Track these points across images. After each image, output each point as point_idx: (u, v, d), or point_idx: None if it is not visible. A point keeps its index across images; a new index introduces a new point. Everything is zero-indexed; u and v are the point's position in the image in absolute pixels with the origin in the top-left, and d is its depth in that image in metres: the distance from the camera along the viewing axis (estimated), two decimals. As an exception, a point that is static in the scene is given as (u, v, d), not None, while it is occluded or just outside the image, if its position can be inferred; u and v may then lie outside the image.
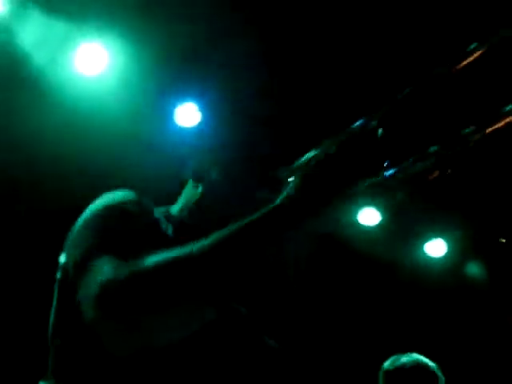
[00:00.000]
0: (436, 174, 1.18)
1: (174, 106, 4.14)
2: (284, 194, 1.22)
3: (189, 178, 1.73)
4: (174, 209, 1.71)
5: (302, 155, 1.43)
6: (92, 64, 3.70)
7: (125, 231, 1.32)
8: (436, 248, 5.29)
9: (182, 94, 4.10)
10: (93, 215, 1.39)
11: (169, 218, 1.61)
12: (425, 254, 5.31)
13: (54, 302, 1.42)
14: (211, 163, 1.70)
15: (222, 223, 1.43)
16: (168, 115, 4.15)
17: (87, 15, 3.51)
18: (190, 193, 1.72)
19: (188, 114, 4.15)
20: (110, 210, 1.39)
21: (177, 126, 4.15)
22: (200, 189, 1.69)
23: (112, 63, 3.74)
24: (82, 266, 1.25)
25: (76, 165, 3.82)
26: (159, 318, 1.15)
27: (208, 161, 1.71)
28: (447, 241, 5.27)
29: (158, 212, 1.60)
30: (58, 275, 1.39)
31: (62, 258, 1.39)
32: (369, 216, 4.93)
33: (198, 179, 1.70)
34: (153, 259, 1.17)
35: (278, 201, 1.22)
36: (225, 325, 1.43)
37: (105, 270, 1.18)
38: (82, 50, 3.65)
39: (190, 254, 1.16)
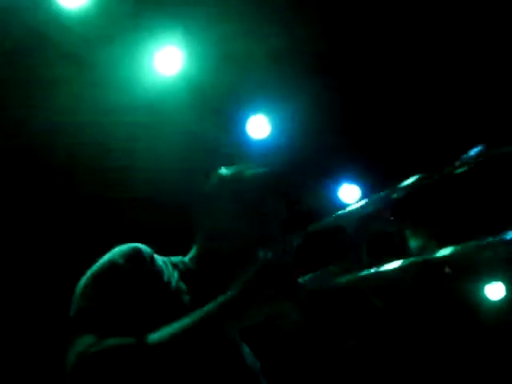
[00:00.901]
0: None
1: (247, 116, 4.14)
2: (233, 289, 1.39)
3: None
4: (188, 257, 1.79)
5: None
6: (169, 64, 3.74)
7: (109, 301, 1.43)
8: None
9: (256, 105, 4.09)
10: (91, 276, 1.51)
11: (178, 265, 1.70)
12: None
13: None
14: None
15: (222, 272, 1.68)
16: (239, 124, 4.15)
17: (166, 17, 3.58)
18: (198, 237, 1.82)
19: (259, 126, 4.15)
20: (111, 269, 1.51)
21: (247, 135, 4.16)
22: (202, 233, 1.79)
23: (188, 65, 3.76)
24: (70, 332, 1.41)
25: (144, 160, 3.84)
26: None
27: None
28: None
29: (167, 261, 1.69)
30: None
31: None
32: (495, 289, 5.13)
33: (200, 222, 1.80)
34: (114, 341, 1.33)
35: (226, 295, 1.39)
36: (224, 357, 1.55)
37: (78, 348, 1.34)
38: (162, 50, 3.69)
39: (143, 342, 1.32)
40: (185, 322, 1.36)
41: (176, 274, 1.65)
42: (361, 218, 1.39)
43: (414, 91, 3.98)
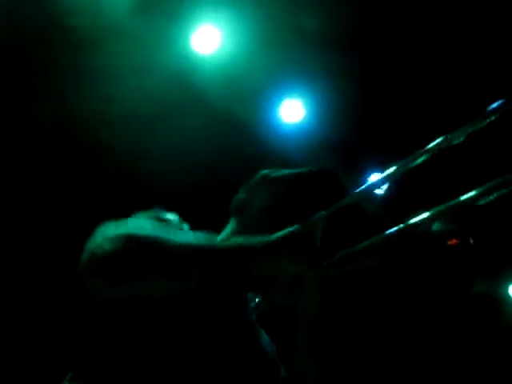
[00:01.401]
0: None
1: (281, 99, 4.13)
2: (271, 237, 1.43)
3: (231, 211, 1.82)
4: (220, 236, 1.78)
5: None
6: (207, 43, 3.75)
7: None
8: None
9: (290, 89, 4.08)
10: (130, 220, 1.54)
11: None
12: None
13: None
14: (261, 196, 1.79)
15: None
16: (273, 106, 4.14)
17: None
18: (228, 227, 1.82)
19: (293, 110, 4.14)
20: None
21: (280, 119, 4.15)
22: (236, 224, 1.79)
23: (224, 44, 3.76)
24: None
25: (178, 137, 3.86)
26: (143, 283, 1.35)
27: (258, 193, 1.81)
28: None
29: None
30: None
31: None
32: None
33: (238, 213, 1.80)
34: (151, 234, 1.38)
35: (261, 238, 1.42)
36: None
37: (108, 231, 1.38)
38: (199, 29, 3.70)
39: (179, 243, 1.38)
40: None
41: None
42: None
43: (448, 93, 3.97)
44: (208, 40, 3.75)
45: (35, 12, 3.37)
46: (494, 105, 1.25)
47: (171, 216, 1.72)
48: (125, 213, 1.52)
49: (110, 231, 1.38)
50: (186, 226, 1.74)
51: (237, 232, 1.76)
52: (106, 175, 4.04)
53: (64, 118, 3.74)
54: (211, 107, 3.86)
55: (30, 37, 3.46)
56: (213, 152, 3.86)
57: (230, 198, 1.89)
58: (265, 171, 1.87)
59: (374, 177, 4.37)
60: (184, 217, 1.79)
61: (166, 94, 3.72)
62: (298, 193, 1.77)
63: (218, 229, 1.84)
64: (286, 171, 1.84)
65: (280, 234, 1.43)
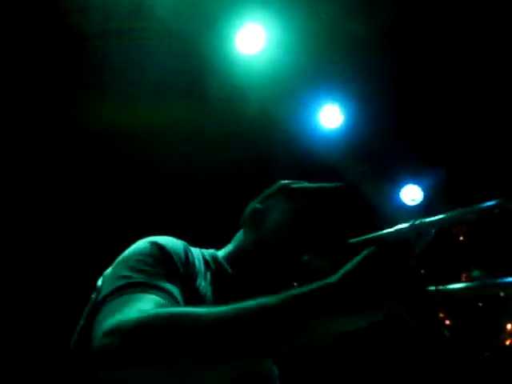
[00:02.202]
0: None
1: (320, 104, 4.12)
2: (332, 279, 1.12)
3: (245, 221, 1.72)
4: (222, 252, 1.68)
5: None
6: (251, 43, 3.74)
7: (156, 275, 1.31)
8: None
9: (329, 93, 4.06)
10: (138, 251, 1.40)
11: (210, 264, 1.58)
12: None
13: (82, 321, 1.44)
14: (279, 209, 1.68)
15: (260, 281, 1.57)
16: (312, 110, 4.13)
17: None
18: (240, 238, 1.71)
19: (331, 115, 4.13)
20: (153, 252, 1.38)
21: (319, 124, 4.14)
22: (251, 236, 1.67)
23: (269, 44, 3.75)
24: (105, 300, 1.26)
25: (222, 135, 3.87)
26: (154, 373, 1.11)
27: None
28: None
29: (201, 257, 1.56)
30: (93, 296, 1.43)
31: (99, 282, 1.43)
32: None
33: (253, 225, 1.68)
34: (169, 315, 1.15)
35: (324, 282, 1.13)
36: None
37: (116, 316, 1.17)
38: (244, 29, 3.69)
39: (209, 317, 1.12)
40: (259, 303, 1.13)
41: (208, 277, 1.54)
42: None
43: (487, 95, 3.93)
44: (253, 40, 3.74)
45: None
46: None
47: (183, 248, 1.49)
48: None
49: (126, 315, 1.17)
50: (193, 255, 1.52)
51: (251, 248, 1.64)
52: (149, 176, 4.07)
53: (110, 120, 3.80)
54: (250, 108, 3.87)
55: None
56: (246, 152, 3.87)
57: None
58: (284, 182, 1.78)
59: (408, 188, 4.40)
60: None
61: (207, 93, 3.75)
62: (320, 209, 1.67)
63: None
64: (306, 184, 1.75)
65: (352, 267, 1.12)
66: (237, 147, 3.86)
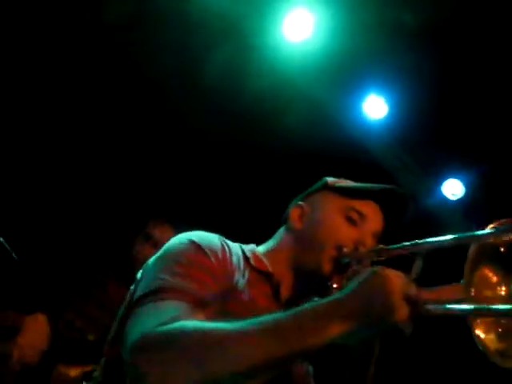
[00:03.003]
0: None
1: (365, 93, 4.09)
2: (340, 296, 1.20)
3: (287, 218, 1.68)
4: (263, 248, 1.66)
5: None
6: (298, 30, 3.70)
7: (191, 280, 1.31)
8: None
9: (375, 83, 4.04)
10: (175, 250, 1.41)
11: (250, 260, 1.55)
12: None
13: (121, 310, 1.46)
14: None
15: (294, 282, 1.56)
16: (357, 100, 4.12)
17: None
18: (282, 235, 1.68)
19: (376, 106, 4.09)
20: (189, 253, 1.38)
21: (364, 114, 4.12)
22: (293, 234, 1.64)
23: (319, 34, 3.71)
24: (140, 301, 1.29)
25: (265, 123, 3.88)
26: None
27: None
28: None
29: (240, 253, 1.54)
30: (132, 288, 1.45)
31: (139, 275, 1.45)
32: None
33: (296, 222, 1.65)
34: (197, 327, 1.18)
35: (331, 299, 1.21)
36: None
37: (146, 325, 1.20)
38: (291, 16, 3.66)
39: (236, 333, 1.16)
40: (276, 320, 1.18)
41: (247, 273, 1.51)
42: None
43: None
44: (300, 27, 3.70)
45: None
46: None
47: (224, 243, 1.50)
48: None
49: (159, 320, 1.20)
50: (233, 251, 1.51)
51: (292, 245, 1.61)
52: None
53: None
54: (296, 95, 3.86)
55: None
56: (289, 143, 3.87)
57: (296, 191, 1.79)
58: (329, 178, 1.72)
59: (450, 182, 4.36)
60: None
61: (255, 81, 3.73)
62: (367, 211, 1.62)
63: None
64: (352, 183, 1.70)
65: (357, 285, 1.20)
66: (280, 137, 3.86)
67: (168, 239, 2.59)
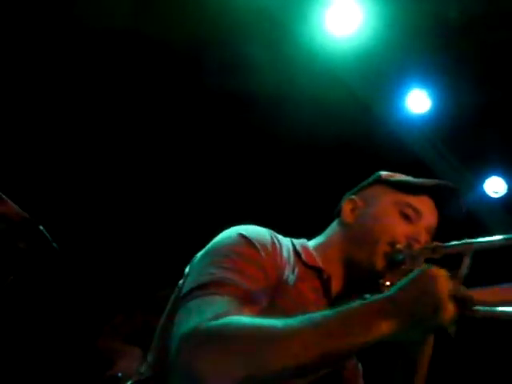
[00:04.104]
0: None
1: (408, 88, 4.04)
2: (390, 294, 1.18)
3: (339, 212, 1.63)
4: (314, 242, 1.61)
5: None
6: (344, 24, 3.68)
7: (241, 274, 1.29)
8: None
9: (419, 78, 3.99)
10: (224, 244, 1.39)
11: (301, 255, 1.52)
12: None
13: (169, 306, 1.44)
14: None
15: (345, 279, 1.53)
16: (401, 95, 4.07)
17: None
18: (333, 229, 1.63)
19: (419, 100, 4.04)
20: (239, 247, 1.36)
21: (407, 109, 4.07)
22: (345, 228, 1.59)
23: (364, 27, 3.69)
24: (189, 295, 1.27)
25: (306, 116, 3.86)
26: None
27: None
28: None
29: (291, 247, 1.51)
30: (180, 283, 1.43)
31: (187, 269, 1.43)
32: None
33: (348, 216, 1.60)
34: (247, 323, 1.16)
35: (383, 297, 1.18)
36: None
37: (196, 320, 1.18)
38: (335, 8, 3.65)
39: (281, 331, 1.13)
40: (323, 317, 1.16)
41: (296, 268, 1.48)
42: None
43: None
44: (344, 21, 3.68)
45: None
46: None
47: (275, 237, 1.47)
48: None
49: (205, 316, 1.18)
50: (284, 245, 1.48)
51: (344, 240, 1.57)
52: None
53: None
54: (339, 89, 3.82)
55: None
56: (333, 138, 3.83)
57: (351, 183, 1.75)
58: (383, 172, 1.67)
59: (492, 180, 4.31)
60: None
61: (296, 73, 3.73)
62: (422, 207, 1.56)
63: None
64: (407, 177, 1.64)
65: (405, 284, 1.18)
66: (323, 133, 3.82)
67: None
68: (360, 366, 1.63)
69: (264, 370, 1.10)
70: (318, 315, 1.16)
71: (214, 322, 1.15)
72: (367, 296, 1.32)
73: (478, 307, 1.17)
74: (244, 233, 1.40)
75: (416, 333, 1.18)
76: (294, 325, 1.14)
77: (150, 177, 4.06)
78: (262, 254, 1.36)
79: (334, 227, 1.63)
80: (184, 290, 1.31)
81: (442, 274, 1.17)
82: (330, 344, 1.11)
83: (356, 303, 1.17)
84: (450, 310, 1.13)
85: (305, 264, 1.50)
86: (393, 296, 1.16)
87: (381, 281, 1.44)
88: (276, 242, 1.44)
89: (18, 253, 1.99)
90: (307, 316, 1.16)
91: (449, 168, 4.22)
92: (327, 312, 1.17)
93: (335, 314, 1.16)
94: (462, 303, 1.15)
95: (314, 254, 1.55)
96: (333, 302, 1.49)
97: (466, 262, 1.27)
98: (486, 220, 4.31)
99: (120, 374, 2.55)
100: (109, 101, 3.83)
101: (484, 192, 4.34)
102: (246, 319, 1.17)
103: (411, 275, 1.18)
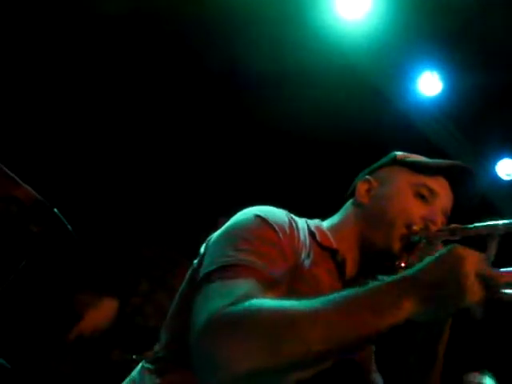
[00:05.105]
0: None
1: (420, 71, 4.02)
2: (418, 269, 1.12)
3: (354, 192, 1.59)
4: (329, 223, 1.57)
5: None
6: (354, 7, 3.67)
7: (260, 257, 1.25)
8: None
9: (429, 60, 3.98)
10: (241, 225, 1.35)
11: (316, 236, 1.48)
12: None
13: (183, 285, 1.42)
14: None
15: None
16: (413, 77, 4.05)
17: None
18: (348, 210, 1.58)
19: (431, 82, 4.02)
20: (257, 228, 1.33)
21: (418, 91, 4.05)
22: (360, 208, 1.55)
23: (374, 10, 3.66)
24: (207, 278, 1.23)
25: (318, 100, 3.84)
26: (249, 372, 1.06)
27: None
28: None
29: (306, 229, 1.47)
30: (195, 263, 1.39)
31: (202, 249, 1.39)
32: None
33: (363, 196, 1.55)
34: (269, 306, 1.11)
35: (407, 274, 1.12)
36: None
37: (217, 303, 1.13)
38: None
39: (308, 313, 1.09)
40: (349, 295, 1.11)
41: (312, 250, 1.44)
42: None
43: None
44: (355, 5, 3.66)
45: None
46: None
47: (292, 219, 1.44)
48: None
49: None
50: (299, 226, 1.45)
51: (358, 220, 1.53)
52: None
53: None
54: (350, 72, 3.80)
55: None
56: (344, 120, 3.81)
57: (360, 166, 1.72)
58: (398, 153, 1.62)
59: (504, 162, 4.30)
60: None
61: (307, 56, 3.71)
62: (438, 188, 1.52)
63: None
64: (423, 158, 1.60)
65: (430, 262, 1.13)
66: (334, 115, 3.79)
67: None
68: (373, 347, 1.60)
69: (288, 355, 1.05)
70: (340, 296, 1.11)
71: (236, 307, 1.10)
72: (381, 278, 1.32)
73: (505, 290, 1.13)
74: (261, 214, 1.36)
75: (440, 313, 1.14)
76: (317, 307, 1.09)
77: (159, 164, 4.08)
78: (280, 236, 1.33)
79: (348, 208, 1.59)
80: (202, 272, 1.27)
81: (470, 253, 1.12)
82: (355, 326, 1.07)
83: (378, 283, 1.12)
84: (476, 291, 1.09)
85: (319, 245, 1.47)
86: (419, 275, 1.10)
87: (396, 262, 1.42)
88: (293, 223, 1.41)
89: (30, 237, 1.99)
90: (330, 297, 1.11)
91: (460, 150, 4.21)
92: (350, 292, 1.11)
93: (360, 294, 1.10)
94: (490, 285, 1.11)
95: (329, 234, 1.51)
96: (347, 283, 1.45)
97: (493, 244, 1.24)
98: (497, 202, 4.30)
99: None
100: (113, 85, 3.84)
101: (496, 174, 4.32)
102: (266, 302, 1.13)
103: (438, 254, 1.13)
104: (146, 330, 2.77)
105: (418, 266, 1.13)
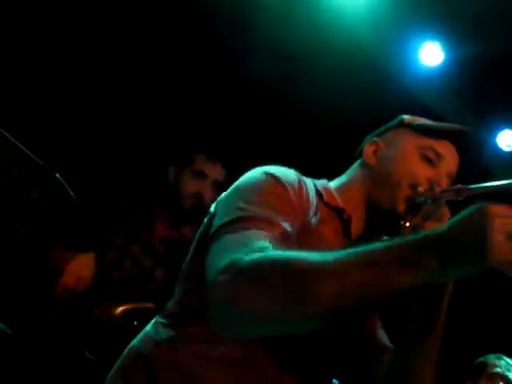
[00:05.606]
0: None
1: (421, 41, 3.98)
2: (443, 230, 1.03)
3: (361, 153, 1.61)
4: (335, 184, 1.59)
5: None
6: None
7: (275, 210, 1.26)
8: None
9: (432, 31, 3.92)
10: (253, 182, 1.37)
11: (323, 196, 1.49)
12: None
13: (194, 242, 1.45)
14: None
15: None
16: (414, 48, 4.01)
17: None
18: (355, 170, 1.60)
19: (432, 53, 3.98)
20: (268, 184, 1.35)
21: (419, 61, 4.02)
22: (367, 169, 1.56)
23: None
24: (224, 229, 1.23)
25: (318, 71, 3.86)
26: (266, 321, 1.08)
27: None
28: None
29: (314, 189, 1.49)
30: (205, 220, 1.43)
31: (212, 208, 1.41)
32: None
33: (370, 157, 1.57)
34: (281, 256, 1.11)
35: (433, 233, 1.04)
36: None
37: (233, 253, 1.14)
38: None
39: (321, 266, 1.05)
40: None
41: (319, 210, 1.47)
42: None
43: None
44: None
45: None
46: None
47: (300, 179, 1.46)
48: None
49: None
50: (308, 186, 1.47)
51: (365, 181, 1.55)
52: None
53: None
54: (349, 42, 3.78)
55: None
56: (344, 90, 3.81)
57: (360, 138, 1.72)
58: (406, 116, 1.64)
59: (505, 133, 4.30)
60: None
61: (306, 28, 3.68)
62: (444, 151, 1.55)
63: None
64: (430, 122, 1.62)
65: (460, 219, 1.03)
66: (335, 86, 3.81)
67: (219, 175, 2.61)
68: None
69: (305, 306, 1.03)
70: (361, 250, 1.05)
71: (252, 257, 1.10)
72: (386, 238, 1.33)
73: None
74: (272, 172, 1.39)
75: (467, 270, 1.03)
76: (336, 260, 1.05)
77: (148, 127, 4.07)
78: (291, 193, 1.35)
79: (355, 168, 1.62)
80: (214, 226, 1.28)
81: (500, 209, 1.02)
82: (378, 282, 1.01)
83: (398, 239, 1.07)
84: (506, 248, 0.98)
85: (326, 205, 1.49)
86: (444, 232, 1.03)
87: (401, 222, 1.43)
88: (302, 183, 1.44)
89: (31, 203, 1.98)
90: (350, 251, 1.06)
91: (461, 121, 4.19)
92: (370, 247, 1.06)
93: (381, 248, 1.05)
94: None
95: (335, 194, 1.54)
96: (353, 242, 1.48)
97: None
98: (498, 174, 4.30)
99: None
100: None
101: (497, 145, 4.31)
102: (284, 253, 1.12)
103: (465, 211, 1.05)
104: (126, 284, 2.77)
105: (446, 224, 1.06)
